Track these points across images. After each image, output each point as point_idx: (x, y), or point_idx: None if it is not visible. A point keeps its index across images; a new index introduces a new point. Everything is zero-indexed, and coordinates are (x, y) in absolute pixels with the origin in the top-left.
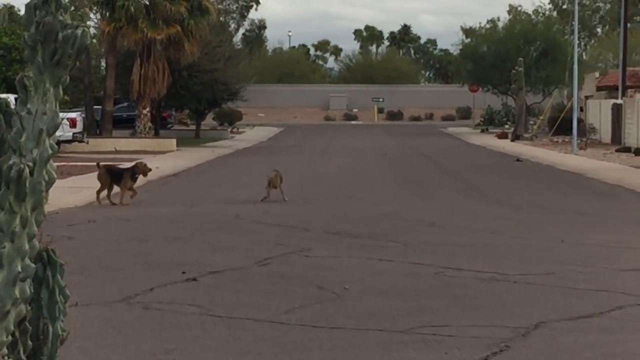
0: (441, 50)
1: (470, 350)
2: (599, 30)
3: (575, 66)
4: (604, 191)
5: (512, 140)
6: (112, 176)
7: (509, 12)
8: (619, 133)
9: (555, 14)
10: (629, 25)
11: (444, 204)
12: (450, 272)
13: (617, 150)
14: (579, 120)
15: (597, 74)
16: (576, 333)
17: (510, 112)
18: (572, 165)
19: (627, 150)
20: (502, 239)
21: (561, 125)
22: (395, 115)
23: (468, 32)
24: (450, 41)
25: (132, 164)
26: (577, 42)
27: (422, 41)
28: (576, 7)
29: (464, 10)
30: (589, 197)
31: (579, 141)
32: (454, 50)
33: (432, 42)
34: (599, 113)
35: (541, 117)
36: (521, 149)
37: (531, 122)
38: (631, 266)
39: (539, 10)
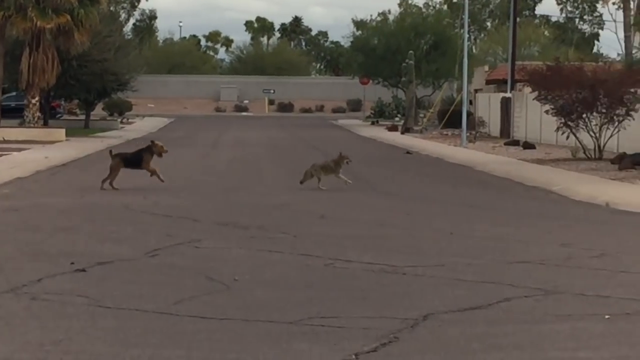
0: (332, 42)
1: (359, 342)
2: (488, 24)
3: (465, 60)
4: (492, 184)
5: (402, 133)
6: (126, 163)
7: (399, 5)
8: (507, 126)
9: (445, 7)
10: (518, 19)
11: (334, 196)
12: (340, 264)
13: (505, 144)
14: (469, 114)
15: (486, 68)
16: (464, 324)
17: (400, 105)
18: (461, 158)
19: (515, 143)
20: (391, 231)
21: (451, 118)
22: (286, 107)
23: (359, 24)
24: (341, 33)
25: (147, 144)
26: (467, 35)
27: (313, 33)
28: (466, 0)
29: (354, 3)
30: (478, 189)
31: (468, 134)
32: (345, 43)
33: (323, 34)
34: (488, 106)
35: (431, 110)
36: (411, 141)
37: (421, 115)
38: (519, 258)
39: (430, 3)
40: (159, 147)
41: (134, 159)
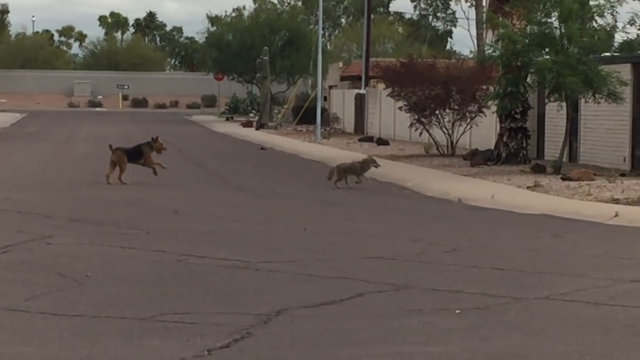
0: (187, 38)
1: (211, 338)
2: (343, 20)
3: (320, 56)
4: None
5: (257, 129)
6: (128, 156)
7: (254, 1)
8: (362, 122)
9: (300, 3)
10: (372, 16)
11: (188, 192)
12: (193, 260)
13: (359, 140)
14: (323, 110)
15: (341, 64)
16: (317, 320)
17: (255, 101)
18: (315, 154)
19: (369, 139)
20: (245, 227)
21: (305, 115)
22: (140, 103)
23: (214, 20)
24: (196, 29)
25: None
26: (321, 32)
27: (168, 29)
28: None
29: None
30: (332, 185)
31: (322, 130)
32: (200, 39)
33: (178, 29)
34: (342, 103)
35: (286, 106)
36: (266, 137)
37: (276, 111)
38: (371, 254)
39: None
40: (159, 144)
41: (134, 153)
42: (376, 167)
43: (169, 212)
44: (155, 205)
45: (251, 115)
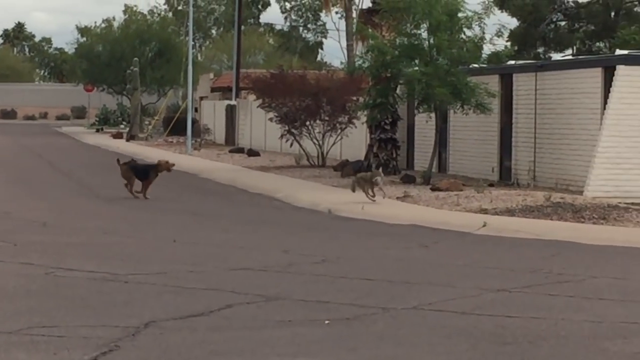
0: (56, 48)
1: (79, 351)
2: (214, 31)
3: (190, 67)
4: (217, 191)
5: (127, 140)
6: (135, 172)
7: (124, 12)
8: (232, 134)
9: (170, 14)
10: (243, 27)
11: (57, 204)
12: (62, 273)
13: (230, 151)
14: (194, 121)
15: (212, 75)
16: (185, 332)
17: (125, 112)
18: (186, 166)
19: (240, 150)
20: (115, 239)
21: (176, 126)
22: (9, 114)
23: (83, 31)
24: (65, 40)
25: (155, 161)
26: (192, 43)
27: (37, 39)
28: (191, 8)
29: (79, 9)
30: (202, 197)
31: (193, 142)
32: (69, 49)
33: (47, 40)
34: (213, 114)
35: (156, 118)
36: (136, 149)
37: (146, 122)
38: (241, 265)
39: (155, 10)
40: (164, 164)
41: (142, 171)
42: (380, 179)
43: (37, 224)
44: (23, 217)
45: (122, 126)
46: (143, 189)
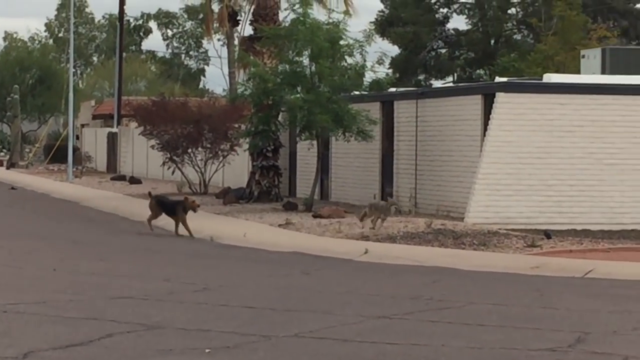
0: None
1: None
2: (95, 58)
3: (71, 94)
4: (98, 219)
5: (8, 168)
6: (163, 207)
7: (4, 39)
8: (114, 161)
9: (51, 41)
10: (124, 54)
11: None
12: None
13: (112, 179)
14: (75, 149)
15: (93, 103)
16: None
17: (5, 140)
18: (67, 194)
19: (122, 178)
20: None
21: (57, 153)
22: None
23: None
24: None
25: (181, 198)
26: (72, 70)
27: None
28: (72, 35)
29: None
30: (84, 225)
31: (74, 169)
32: None
33: None
34: (95, 141)
35: (37, 145)
36: (16, 177)
37: (27, 150)
38: (122, 294)
39: (35, 37)
40: (191, 202)
41: (170, 206)
42: (398, 209)
43: None
44: None
45: (1, 154)
46: (176, 226)
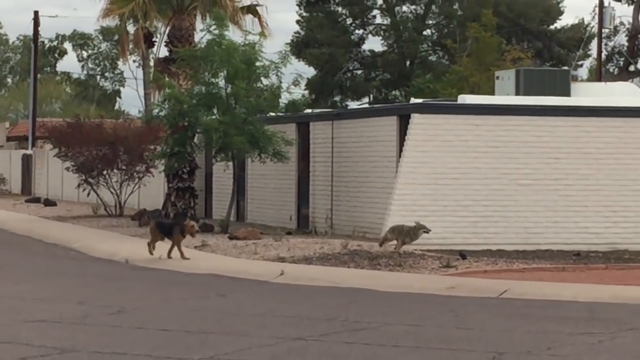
0: None
1: None
2: (9, 80)
3: None
4: (12, 242)
5: None
6: (162, 229)
7: None
8: (29, 183)
9: None
10: (39, 76)
11: None
12: None
13: (27, 201)
14: None
15: (7, 124)
16: None
17: None
18: None
19: (37, 200)
20: None
21: None
22: None
23: None
24: None
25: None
26: None
27: None
28: None
29: None
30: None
31: None
32: None
33: None
34: (9, 163)
35: None
36: None
37: None
38: (35, 317)
39: None
40: (190, 226)
41: (167, 228)
42: (427, 232)
43: None
44: None
45: None
46: (170, 248)
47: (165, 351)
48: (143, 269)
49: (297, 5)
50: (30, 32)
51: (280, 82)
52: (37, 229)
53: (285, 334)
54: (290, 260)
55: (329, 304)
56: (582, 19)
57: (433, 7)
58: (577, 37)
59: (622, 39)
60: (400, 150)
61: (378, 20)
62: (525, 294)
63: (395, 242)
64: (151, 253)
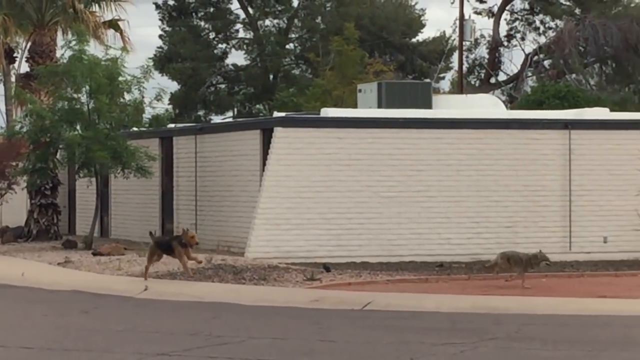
0: None
1: None
2: None
3: None
4: None
5: None
6: (161, 247)
7: None
8: None
9: None
10: None
11: None
12: None
13: None
14: None
15: None
16: None
17: None
18: None
19: None
20: None
21: None
22: None
23: None
24: None
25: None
26: None
27: None
28: None
29: None
30: None
31: None
32: None
33: None
34: None
35: None
36: None
37: None
38: None
39: None
40: (190, 236)
41: (165, 245)
42: (549, 264)
43: None
44: None
45: None
46: (182, 264)
47: None
48: (4, 286)
49: (160, 19)
50: None
51: (143, 96)
52: None
53: (149, 350)
54: (154, 275)
55: (193, 319)
56: (444, 32)
57: (296, 20)
58: (439, 49)
59: (482, 51)
60: (264, 164)
61: (241, 34)
62: (389, 305)
63: (503, 267)
64: (145, 278)
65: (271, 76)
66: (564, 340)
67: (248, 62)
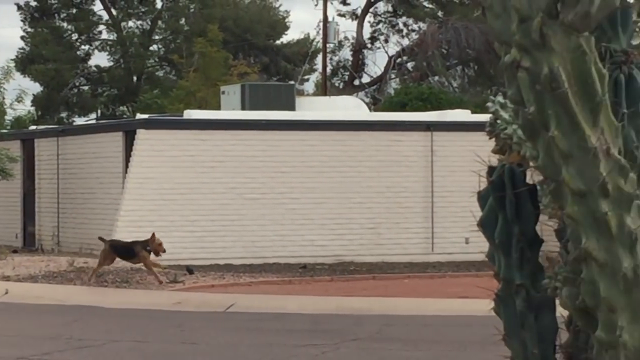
0: None
1: None
2: None
3: None
4: None
5: None
6: (118, 251)
7: None
8: None
9: None
10: None
11: None
12: None
13: None
14: None
15: None
16: None
17: None
18: None
19: None
20: None
21: None
22: None
23: None
24: None
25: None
26: None
27: None
28: None
29: None
30: None
31: None
32: None
33: None
34: None
35: None
36: None
37: None
38: None
39: None
40: (157, 244)
41: (124, 249)
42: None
43: None
44: None
45: None
46: (145, 266)
47: None
48: None
49: (22, 21)
50: None
51: (4, 98)
52: None
53: (8, 354)
54: (15, 279)
55: (54, 322)
56: (308, 34)
57: (159, 22)
58: (303, 51)
59: (346, 53)
60: (127, 166)
61: (104, 35)
62: (252, 307)
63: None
64: (89, 279)
65: (135, 78)
66: (425, 340)
67: (111, 63)
